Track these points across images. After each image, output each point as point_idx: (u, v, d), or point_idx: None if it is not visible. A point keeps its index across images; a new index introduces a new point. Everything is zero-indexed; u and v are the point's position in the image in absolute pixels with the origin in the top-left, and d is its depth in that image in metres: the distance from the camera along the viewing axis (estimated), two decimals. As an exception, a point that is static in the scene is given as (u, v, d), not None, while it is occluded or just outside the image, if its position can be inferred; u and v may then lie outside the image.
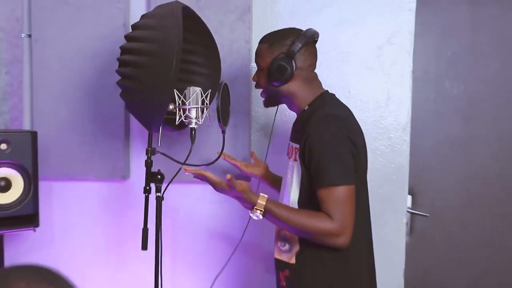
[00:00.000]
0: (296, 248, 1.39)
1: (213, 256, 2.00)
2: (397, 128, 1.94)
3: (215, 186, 1.38)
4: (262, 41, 1.47)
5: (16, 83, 1.99)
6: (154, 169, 1.57)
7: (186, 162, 1.50)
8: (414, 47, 1.91)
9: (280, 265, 1.46)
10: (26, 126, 2.02)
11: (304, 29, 1.44)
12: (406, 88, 1.93)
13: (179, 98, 1.50)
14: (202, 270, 2.01)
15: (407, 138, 1.94)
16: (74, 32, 1.96)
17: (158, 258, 1.55)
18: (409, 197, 2.09)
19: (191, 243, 2.05)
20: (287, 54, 1.38)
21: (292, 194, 1.40)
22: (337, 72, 1.94)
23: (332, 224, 1.25)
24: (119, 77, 1.50)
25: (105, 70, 1.94)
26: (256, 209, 1.29)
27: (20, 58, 1.99)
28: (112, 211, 2.06)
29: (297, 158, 1.37)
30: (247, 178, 1.85)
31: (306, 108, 1.43)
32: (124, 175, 2.01)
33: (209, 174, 1.38)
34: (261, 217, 1.30)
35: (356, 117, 1.45)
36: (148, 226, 1.55)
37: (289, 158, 1.46)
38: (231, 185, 1.30)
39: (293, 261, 1.40)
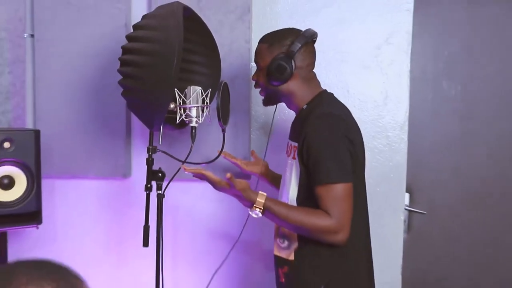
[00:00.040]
0: (295, 245, 1.41)
1: (213, 253, 2.02)
2: (395, 127, 1.96)
3: (215, 185, 1.38)
4: (262, 41, 1.48)
5: (19, 82, 2.01)
6: (155, 167, 1.59)
7: (187, 161, 1.52)
8: (411, 47, 1.93)
9: (279, 261, 1.48)
10: (29, 125, 2.04)
11: (303, 29, 1.46)
12: (404, 88, 1.94)
13: (180, 97, 1.52)
14: (203, 267, 2.02)
15: (405, 136, 1.95)
16: (76, 32, 1.98)
17: (159, 255, 1.57)
18: (407, 195, 2.11)
19: (192, 240, 2.07)
20: (287, 54, 1.39)
21: (291, 191, 1.41)
22: (336, 71, 1.96)
23: (330, 221, 1.27)
24: (120, 77, 1.51)
25: (106, 69, 1.96)
26: (255, 207, 1.31)
27: (22, 57, 2.01)
28: (114, 208, 2.08)
29: (296, 156, 1.38)
30: (247, 176, 1.86)
31: (304, 107, 1.44)
32: (125, 173, 2.03)
33: (208, 173, 1.39)
34: (260, 215, 1.32)
35: (354, 116, 1.46)
36: (149, 224, 1.57)
37: (288, 156, 1.47)
38: (231, 184, 1.31)
39: (292, 257, 1.42)
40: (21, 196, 1.70)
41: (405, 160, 1.96)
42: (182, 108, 1.52)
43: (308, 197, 1.35)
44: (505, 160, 2.12)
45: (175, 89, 1.46)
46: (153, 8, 1.68)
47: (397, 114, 1.95)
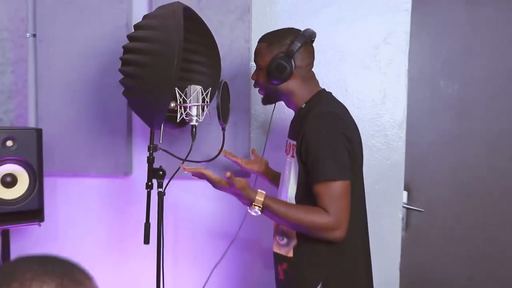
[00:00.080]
0: (294, 242, 1.42)
1: (214, 251, 2.03)
2: (393, 125, 1.97)
3: (214, 184, 1.39)
4: (262, 40, 1.49)
5: (21, 81, 2.03)
6: (155, 165, 1.60)
7: (187, 159, 1.53)
8: (409, 47, 1.94)
9: (278, 258, 1.49)
10: (31, 124, 2.06)
11: (302, 29, 1.47)
12: (402, 87, 1.96)
13: (180, 96, 1.53)
14: (203, 264, 2.03)
15: (403, 135, 1.97)
16: (77, 32, 2.00)
17: (160, 252, 1.58)
18: (405, 193, 2.12)
19: (192, 237, 2.08)
20: (287, 53, 1.40)
21: (289, 189, 1.42)
22: (335, 70, 1.97)
23: (328, 218, 1.28)
24: (121, 76, 1.52)
25: (108, 69, 1.98)
26: (254, 205, 1.32)
27: (25, 57, 2.03)
28: (115, 206, 2.10)
29: (295, 154, 1.39)
30: (246, 174, 1.88)
31: (303, 106, 1.45)
32: (126, 171, 2.04)
33: (208, 172, 1.40)
34: (259, 213, 1.33)
35: (353, 114, 1.47)
36: (150, 221, 1.58)
37: (287, 154, 1.48)
38: (231, 183, 1.32)
39: (290, 254, 1.43)
40: (23, 194, 1.72)
41: (403, 159, 1.97)
42: (182, 107, 1.53)
43: (307, 195, 1.36)
44: (502, 158, 2.13)
45: (176, 88, 1.47)
46: (154, 8, 1.69)
47: (395, 113, 1.97)
